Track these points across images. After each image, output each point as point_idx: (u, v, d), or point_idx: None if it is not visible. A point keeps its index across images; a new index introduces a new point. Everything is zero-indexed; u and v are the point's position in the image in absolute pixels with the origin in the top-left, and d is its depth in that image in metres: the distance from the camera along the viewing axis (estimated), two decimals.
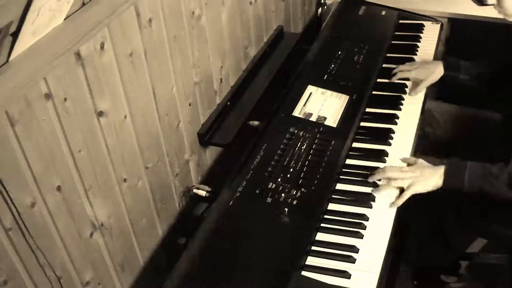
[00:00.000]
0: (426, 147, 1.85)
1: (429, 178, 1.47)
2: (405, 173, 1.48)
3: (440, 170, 1.47)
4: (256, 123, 1.76)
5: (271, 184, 1.42)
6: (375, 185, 1.48)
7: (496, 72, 1.80)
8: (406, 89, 1.85)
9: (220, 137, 1.74)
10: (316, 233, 1.37)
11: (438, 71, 1.83)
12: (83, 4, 1.15)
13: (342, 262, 1.29)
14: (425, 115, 1.75)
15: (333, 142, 1.57)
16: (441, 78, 1.84)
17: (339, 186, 1.50)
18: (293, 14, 2.42)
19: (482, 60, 1.85)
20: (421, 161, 1.53)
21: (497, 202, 1.45)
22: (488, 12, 2.21)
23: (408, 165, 1.54)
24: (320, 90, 1.77)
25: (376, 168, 1.53)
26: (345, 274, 1.26)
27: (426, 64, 1.89)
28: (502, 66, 1.80)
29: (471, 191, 1.44)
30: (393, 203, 1.43)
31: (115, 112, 1.32)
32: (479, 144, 1.89)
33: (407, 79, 1.87)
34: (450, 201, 1.81)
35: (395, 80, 1.87)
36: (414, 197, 1.81)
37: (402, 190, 1.47)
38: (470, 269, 2.08)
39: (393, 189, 1.46)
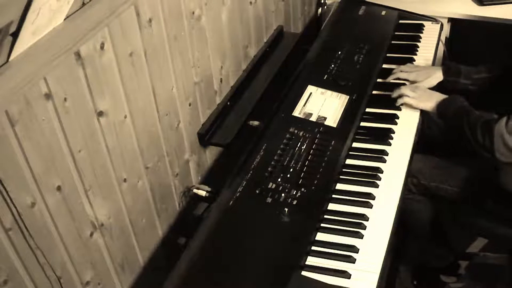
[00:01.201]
0: (425, 147, 1.85)
1: (431, 100, 1.72)
2: (417, 90, 1.76)
3: (441, 97, 1.71)
4: (256, 123, 1.76)
5: (271, 184, 1.42)
6: (375, 185, 1.49)
7: (497, 76, 1.80)
8: None
9: (220, 137, 1.74)
10: (316, 233, 1.37)
11: (436, 76, 1.83)
12: (83, 4, 1.15)
13: (342, 262, 1.29)
14: (425, 116, 1.75)
15: (333, 142, 1.57)
16: (441, 83, 1.84)
17: (339, 186, 1.50)
18: (293, 14, 2.42)
19: (482, 63, 1.85)
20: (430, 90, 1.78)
21: (467, 144, 1.61)
22: (488, 12, 2.22)
23: None
24: (320, 90, 1.77)
25: (376, 168, 1.53)
26: (345, 274, 1.26)
27: (425, 68, 1.89)
28: (502, 70, 1.80)
29: (452, 122, 1.66)
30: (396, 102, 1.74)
31: (115, 112, 1.32)
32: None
33: (407, 80, 1.87)
34: (449, 201, 1.81)
35: (391, 79, 1.87)
36: (414, 195, 1.81)
37: None
38: (470, 269, 2.08)
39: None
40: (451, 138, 1.88)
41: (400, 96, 1.75)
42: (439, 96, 1.71)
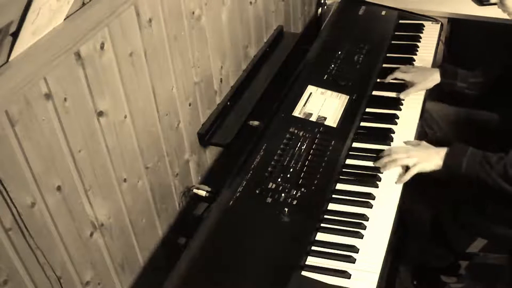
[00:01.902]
0: None
1: (432, 157, 1.53)
2: (411, 152, 1.55)
3: (443, 151, 1.53)
4: (256, 123, 1.76)
5: (271, 184, 1.42)
6: (375, 185, 1.49)
7: (494, 79, 1.80)
8: (406, 89, 1.84)
9: (220, 137, 1.74)
10: (316, 233, 1.37)
11: (432, 78, 1.83)
12: (83, 4, 1.15)
13: (342, 262, 1.29)
14: (424, 116, 1.75)
15: (333, 142, 1.57)
16: (438, 85, 1.84)
17: (339, 186, 1.50)
18: (293, 14, 2.42)
19: (480, 65, 1.84)
20: (424, 143, 1.60)
21: (491, 190, 1.48)
22: (488, 12, 2.22)
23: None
24: (320, 90, 1.77)
25: (377, 168, 1.53)
26: (345, 274, 1.26)
27: (423, 70, 1.89)
28: (499, 72, 1.80)
29: (467, 176, 1.49)
30: (399, 180, 1.50)
31: (115, 112, 1.32)
32: (477, 144, 1.88)
33: (404, 80, 1.86)
34: (450, 201, 1.81)
35: (389, 79, 1.87)
36: (414, 198, 1.81)
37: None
38: (470, 269, 2.08)
39: (399, 168, 1.52)
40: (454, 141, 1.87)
41: (393, 161, 1.53)
42: (438, 151, 1.54)
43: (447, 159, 1.52)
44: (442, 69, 1.85)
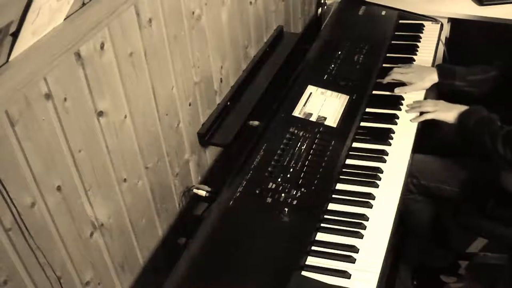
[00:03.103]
0: (425, 147, 1.85)
1: (452, 111, 1.69)
2: (439, 104, 1.74)
3: (462, 108, 1.69)
4: (256, 123, 1.76)
5: (271, 184, 1.42)
6: (375, 185, 1.49)
7: (492, 76, 1.80)
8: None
9: (220, 137, 1.74)
10: (316, 233, 1.37)
11: (430, 78, 1.83)
12: (83, 4, 1.15)
13: (342, 262, 1.29)
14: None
15: (333, 142, 1.57)
16: (437, 85, 1.84)
17: (339, 186, 1.50)
18: (293, 14, 2.42)
19: (480, 64, 1.84)
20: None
21: (488, 155, 1.60)
22: (488, 12, 2.22)
23: None
24: (320, 90, 1.77)
25: (376, 168, 1.53)
26: (345, 274, 1.26)
27: (420, 70, 1.88)
28: (498, 69, 1.80)
29: (474, 134, 1.63)
30: (415, 119, 1.72)
31: (115, 112, 1.32)
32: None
33: (401, 81, 1.86)
34: (450, 201, 1.81)
35: (387, 81, 1.87)
36: (414, 195, 1.81)
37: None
38: (470, 269, 2.08)
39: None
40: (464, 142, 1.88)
41: (421, 112, 1.73)
42: (460, 107, 1.69)
43: (462, 114, 1.67)
44: (439, 69, 1.84)
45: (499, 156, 1.54)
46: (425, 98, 1.82)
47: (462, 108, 1.69)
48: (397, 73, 1.87)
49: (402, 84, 1.85)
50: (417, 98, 1.82)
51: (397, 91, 1.82)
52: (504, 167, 1.57)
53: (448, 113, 1.70)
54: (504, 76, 1.78)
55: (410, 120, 1.71)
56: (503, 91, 1.78)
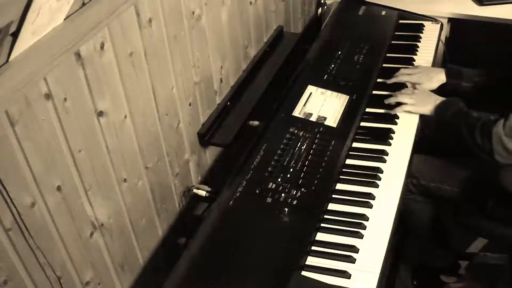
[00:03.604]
0: (425, 148, 1.85)
1: (428, 103, 1.70)
2: (415, 94, 1.74)
3: (438, 100, 1.69)
4: (256, 123, 1.76)
5: (271, 184, 1.42)
6: (375, 185, 1.49)
7: (498, 78, 1.80)
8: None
9: (220, 137, 1.74)
10: (316, 233, 1.37)
11: (437, 79, 1.82)
12: (83, 4, 1.15)
13: (342, 262, 1.29)
14: (424, 116, 1.75)
15: (333, 142, 1.57)
16: (443, 86, 1.83)
17: (339, 186, 1.50)
18: (293, 14, 2.42)
19: (482, 65, 1.84)
20: (429, 92, 1.77)
21: (466, 147, 1.60)
22: (488, 12, 2.22)
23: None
24: (320, 90, 1.77)
25: (376, 168, 1.53)
26: (345, 274, 1.26)
27: (428, 70, 1.88)
28: (503, 71, 1.79)
29: (451, 127, 1.63)
30: (393, 110, 1.72)
31: (115, 112, 1.32)
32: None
33: (408, 82, 1.86)
34: (450, 201, 1.81)
35: (393, 81, 1.87)
36: (414, 196, 1.81)
37: None
38: (470, 269, 2.08)
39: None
40: (445, 138, 1.88)
41: (398, 104, 1.73)
42: (436, 99, 1.70)
43: (439, 106, 1.68)
44: (447, 70, 1.84)
45: (478, 147, 1.55)
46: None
47: (438, 100, 1.70)
48: (404, 75, 1.86)
49: (404, 85, 1.84)
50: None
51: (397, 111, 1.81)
52: (484, 157, 1.57)
53: (424, 107, 1.71)
54: (505, 77, 1.78)
55: (392, 112, 1.72)
56: (505, 92, 1.77)
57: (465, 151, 1.76)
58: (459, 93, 1.83)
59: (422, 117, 1.75)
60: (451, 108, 1.65)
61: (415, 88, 1.81)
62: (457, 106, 1.65)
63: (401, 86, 1.84)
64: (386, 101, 1.75)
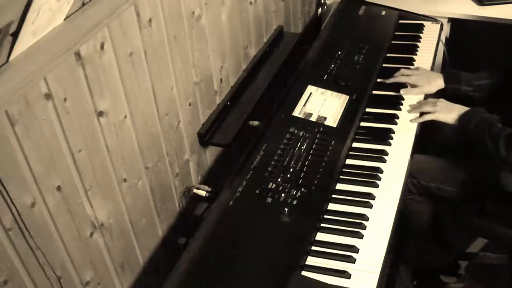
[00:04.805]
0: (424, 147, 1.85)
1: (453, 111, 1.68)
2: (439, 102, 1.73)
3: (462, 109, 1.67)
4: (256, 123, 1.76)
5: (271, 184, 1.42)
6: (375, 185, 1.49)
7: (498, 81, 1.80)
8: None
9: (220, 137, 1.74)
10: (316, 233, 1.37)
11: (436, 83, 1.82)
12: (83, 4, 1.15)
13: (342, 262, 1.29)
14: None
15: (333, 142, 1.57)
16: (442, 91, 1.83)
17: (339, 186, 1.50)
18: (293, 14, 2.42)
19: (482, 67, 1.84)
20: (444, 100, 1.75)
21: (490, 157, 1.58)
22: (488, 12, 2.22)
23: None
24: (320, 90, 1.77)
25: (376, 168, 1.53)
26: (345, 274, 1.26)
27: (427, 73, 1.88)
28: (504, 74, 1.79)
29: (475, 136, 1.61)
30: (415, 120, 1.71)
31: (115, 112, 1.32)
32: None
33: (407, 83, 1.86)
34: (450, 202, 1.81)
35: (391, 81, 1.87)
36: (414, 196, 1.81)
37: None
38: (470, 269, 2.08)
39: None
40: (459, 140, 1.87)
41: (421, 113, 1.72)
42: (461, 108, 1.68)
43: (463, 115, 1.65)
44: (445, 74, 1.83)
45: (501, 158, 1.53)
46: (425, 99, 1.82)
47: (462, 109, 1.67)
48: (403, 75, 1.86)
49: (404, 85, 1.84)
50: (417, 98, 1.82)
51: (403, 92, 1.81)
52: (506, 169, 1.56)
53: (448, 114, 1.68)
54: (506, 78, 1.77)
55: (410, 121, 1.71)
56: (505, 93, 1.77)
57: (465, 151, 1.77)
58: (459, 97, 1.83)
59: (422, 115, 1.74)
60: (475, 117, 1.63)
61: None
62: (481, 115, 1.63)
63: (400, 86, 1.85)
64: (410, 111, 1.75)
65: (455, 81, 1.82)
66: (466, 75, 1.82)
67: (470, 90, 1.81)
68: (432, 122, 1.72)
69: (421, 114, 1.73)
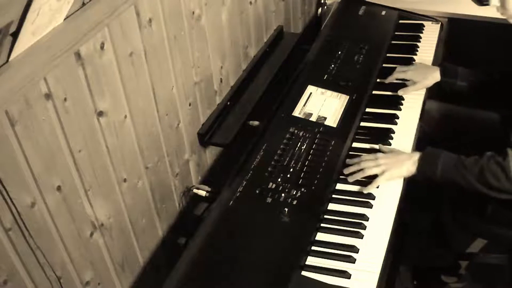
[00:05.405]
0: (424, 146, 1.85)
1: (404, 164, 1.49)
2: (379, 160, 1.50)
3: (415, 156, 1.50)
4: (256, 123, 1.76)
5: (271, 184, 1.42)
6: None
7: (494, 78, 1.80)
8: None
9: (220, 137, 1.74)
10: (316, 233, 1.37)
11: (433, 77, 1.83)
12: (83, 4, 1.15)
13: (342, 262, 1.29)
14: (424, 114, 1.75)
15: (333, 142, 1.57)
16: (438, 84, 1.84)
17: (339, 186, 1.50)
18: (293, 14, 2.42)
19: (481, 64, 1.84)
20: (395, 149, 1.57)
21: (468, 192, 1.47)
22: (488, 12, 2.22)
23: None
24: (320, 90, 1.77)
25: None
26: (345, 274, 1.26)
27: (423, 68, 1.88)
28: (500, 72, 1.79)
29: (443, 181, 1.47)
30: (365, 189, 1.45)
31: (115, 112, 1.32)
32: (477, 143, 1.89)
33: (407, 80, 1.86)
34: (449, 201, 1.81)
35: (390, 80, 1.87)
36: (414, 197, 1.81)
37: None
38: (470, 269, 2.08)
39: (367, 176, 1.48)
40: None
41: (363, 170, 1.49)
42: (409, 157, 1.50)
43: (421, 163, 1.48)
44: (442, 68, 1.84)
45: (496, 189, 1.42)
46: (425, 99, 1.82)
47: (412, 157, 1.50)
48: (399, 72, 1.87)
49: (404, 85, 1.84)
50: (417, 97, 1.82)
51: (401, 92, 1.81)
52: (502, 198, 1.44)
53: (400, 168, 1.48)
54: (505, 77, 1.78)
55: (364, 192, 1.46)
56: (504, 91, 1.77)
57: (464, 151, 1.76)
58: (454, 92, 1.83)
59: (422, 115, 1.74)
60: (435, 161, 1.47)
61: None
62: (440, 157, 1.47)
63: (400, 86, 1.85)
64: (349, 179, 1.49)
65: (452, 75, 1.82)
66: (463, 70, 1.83)
67: (466, 86, 1.81)
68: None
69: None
